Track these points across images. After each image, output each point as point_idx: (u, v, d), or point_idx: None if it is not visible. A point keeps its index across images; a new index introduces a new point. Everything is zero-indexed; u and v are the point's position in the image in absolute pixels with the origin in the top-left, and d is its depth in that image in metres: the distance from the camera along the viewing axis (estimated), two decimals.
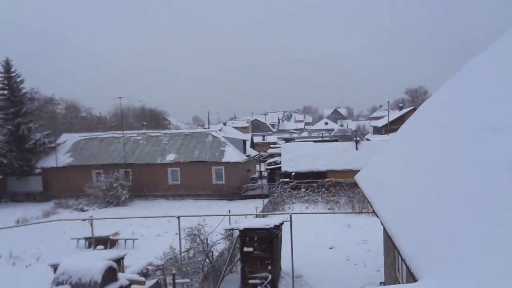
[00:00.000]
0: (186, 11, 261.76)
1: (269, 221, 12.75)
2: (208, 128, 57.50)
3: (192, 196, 32.13)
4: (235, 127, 72.34)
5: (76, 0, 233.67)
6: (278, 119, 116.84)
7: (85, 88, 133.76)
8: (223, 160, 32.18)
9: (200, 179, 32.33)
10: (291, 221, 12.68)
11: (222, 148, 33.27)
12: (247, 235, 12.37)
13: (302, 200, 27.77)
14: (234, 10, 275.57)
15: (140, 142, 35.68)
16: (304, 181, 29.81)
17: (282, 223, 13.14)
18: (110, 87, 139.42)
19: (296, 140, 50.72)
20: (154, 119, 69.11)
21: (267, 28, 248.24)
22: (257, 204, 24.07)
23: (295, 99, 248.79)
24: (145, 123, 53.54)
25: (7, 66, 34.74)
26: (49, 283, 8.42)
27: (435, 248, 4.66)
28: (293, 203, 27.49)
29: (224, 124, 71.57)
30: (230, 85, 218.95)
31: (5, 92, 34.65)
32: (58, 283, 7.70)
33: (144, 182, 32.73)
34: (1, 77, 34.62)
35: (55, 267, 10.15)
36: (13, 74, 34.85)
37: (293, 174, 30.56)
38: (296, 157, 31.58)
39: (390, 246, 9.99)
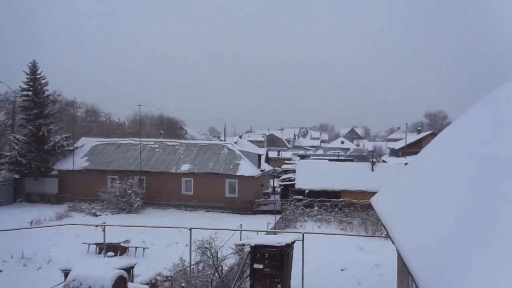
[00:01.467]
0: (207, 24, 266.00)
1: (281, 239, 12.57)
2: (224, 140, 57.73)
3: (204, 208, 32.10)
4: (251, 141, 72.39)
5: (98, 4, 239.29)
6: (294, 135, 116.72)
7: (105, 93, 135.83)
8: (237, 174, 32.16)
9: (213, 191, 32.32)
10: (303, 240, 12.50)
11: (237, 161, 33.28)
12: (258, 251, 12.21)
13: (315, 219, 27.46)
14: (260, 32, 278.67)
15: (156, 150, 35.97)
16: (318, 199, 29.50)
17: (294, 242, 12.96)
18: (129, 92, 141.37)
19: (311, 157, 50.44)
20: (171, 128, 69.74)
21: (285, 46, 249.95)
22: (269, 220, 23.89)
23: (311, 116, 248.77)
24: (162, 131, 54.02)
25: (34, 68, 35.65)
26: None
27: (454, 281, 4.50)
28: (305, 221, 27.20)
29: (240, 137, 71.75)
30: (248, 98, 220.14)
31: (30, 93, 35.50)
32: None
33: (157, 191, 32.88)
34: (27, 78, 35.53)
35: (65, 272, 10.20)
36: (39, 76, 35.73)
37: (306, 191, 30.30)
38: (311, 175, 31.34)
39: (404, 273, 9.73)
